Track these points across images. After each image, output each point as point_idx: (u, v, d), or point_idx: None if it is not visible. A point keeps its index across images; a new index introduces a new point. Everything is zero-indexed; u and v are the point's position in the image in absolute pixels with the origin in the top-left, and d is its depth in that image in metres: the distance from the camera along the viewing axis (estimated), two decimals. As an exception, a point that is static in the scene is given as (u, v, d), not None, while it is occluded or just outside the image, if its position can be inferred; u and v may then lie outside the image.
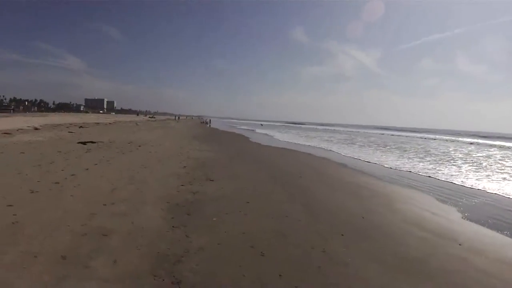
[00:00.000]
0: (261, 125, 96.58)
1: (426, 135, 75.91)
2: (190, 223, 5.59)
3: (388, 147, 30.47)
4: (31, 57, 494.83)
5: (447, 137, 69.43)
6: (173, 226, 5.40)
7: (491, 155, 26.23)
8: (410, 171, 14.35)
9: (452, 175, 13.82)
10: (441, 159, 20.91)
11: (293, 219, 6.17)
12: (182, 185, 8.42)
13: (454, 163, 18.82)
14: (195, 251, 4.50)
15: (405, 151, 26.80)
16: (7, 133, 21.03)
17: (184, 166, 11.44)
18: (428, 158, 21.03)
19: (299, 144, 28.82)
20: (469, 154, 26.70)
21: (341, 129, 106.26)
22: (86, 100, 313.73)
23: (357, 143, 33.43)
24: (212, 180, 9.26)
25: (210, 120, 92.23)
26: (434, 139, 56.72)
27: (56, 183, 7.75)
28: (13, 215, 5.41)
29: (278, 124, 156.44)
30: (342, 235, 5.55)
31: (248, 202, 7.17)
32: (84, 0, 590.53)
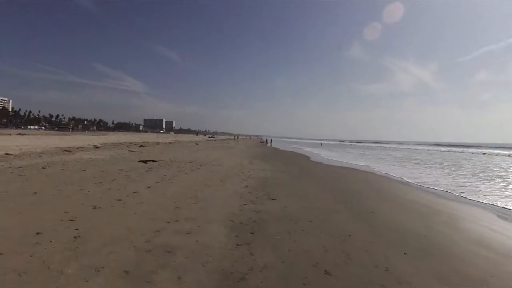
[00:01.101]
0: (321, 144, 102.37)
1: (486, 150, 76.74)
2: (254, 242, 5.96)
3: (444, 164, 30.98)
4: (90, 79, 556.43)
5: (506, 152, 69.46)
6: (237, 244, 5.76)
7: None
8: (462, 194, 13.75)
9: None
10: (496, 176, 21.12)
11: (356, 238, 6.48)
12: (245, 204, 8.97)
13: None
14: (260, 269, 4.79)
15: (461, 167, 27.57)
16: (67, 150, 23.20)
17: (246, 186, 12.14)
18: (481, 175, 21.36)
19: (356, 163, 29.68)
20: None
21: (398, 146, 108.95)
22: (145, 120, 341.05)
23: (413, 161, 34.07)
24: (275, 199, 9.81)
25: (271, 140, 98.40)
26: (483, 154, 57.33)
27: (118, 200, 8.52)
28: (75, 229, 5.96)
29: (335, 142, 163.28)
30: (405, 253, 5.77)
31: (311, 221, 7.54)
32: (143, 24, 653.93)
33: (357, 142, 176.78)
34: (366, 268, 5.05)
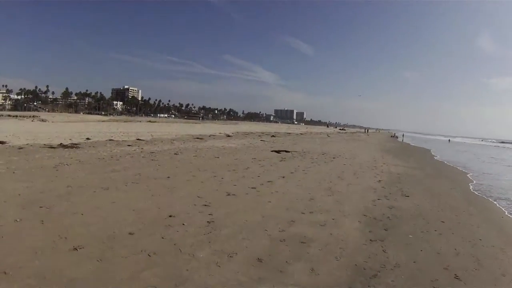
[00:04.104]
0: (449, 141, 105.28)
1: None
2: (387, 239, 6.15)
3: None
4: (221, 70, 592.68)
5: None
6: (370, 240, 5.98)
7: None
8: None
9: None
10: None
11: (486, 243, 6.58)
12: (378, 199, 9.29)
13: None
14: (392, 267, 4.94)
15: None
16: (199, 138, 25.26)
17: (379, 180, 12.53)
18: None
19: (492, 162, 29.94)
20: None
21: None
22: (276, 110, 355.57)
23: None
24: (408, 196, 10.11)
25: (403, 135, 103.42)
26: None
27: (252, 188, 9.16)
28: (209, 214, 6.47)
29: (464, 140, 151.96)
30: (533, 262, 5.74)
31: (443, 222, 7.74)
32: (271, 16, 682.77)
33: (481, 140, 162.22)
34: (494, 275, 5.12)
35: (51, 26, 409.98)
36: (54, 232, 5.20)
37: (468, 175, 17.96)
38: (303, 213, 7.19)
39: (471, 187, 13.97)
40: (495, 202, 11.03)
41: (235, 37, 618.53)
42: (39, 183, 8.22)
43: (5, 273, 3.92)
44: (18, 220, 5.64)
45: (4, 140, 16.18)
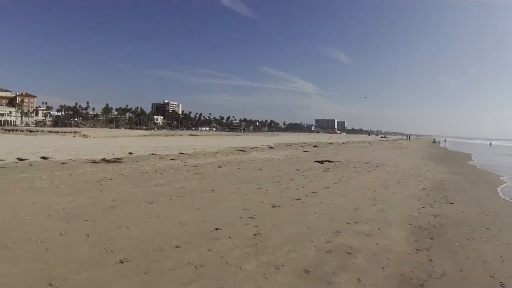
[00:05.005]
0: (490, 144, 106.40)
1: None
2: (433, 247, 6.14)
3: None
4: (260, 82, 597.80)
5: None
6: (416, 249, 5.96)
7: None
8: None
9: None
10: None
11: None
12: (423, 207, 9.26)
13: None
14: (438, 276, 4.93)
15: None
16: (242, 150, 25.56)
17: (423, 188, 12.52)
18: None
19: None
20: None
21: None
22: (317, 120, 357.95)
23: None
24: (452, 203, 10.07)
25: (444, 140, 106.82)
26: None
27: (297, 199, 9.27)
28: (255, 227, 6.58)
29: (509, 143, 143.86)
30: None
31: (488, 229, 7.68)
32: (303, 26, 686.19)
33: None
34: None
35: (87, 47, 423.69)
36: (100, 245, 5.38)
37: (505, 178, 17.75)
38: (349, 223, 7.25)
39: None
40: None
41: (272, 49, 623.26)
42: (83, 197, 8.54)
43: (50, 284, 4.08)
44: (63, 233, 5.85)
45: (47, 156, 16.86)
